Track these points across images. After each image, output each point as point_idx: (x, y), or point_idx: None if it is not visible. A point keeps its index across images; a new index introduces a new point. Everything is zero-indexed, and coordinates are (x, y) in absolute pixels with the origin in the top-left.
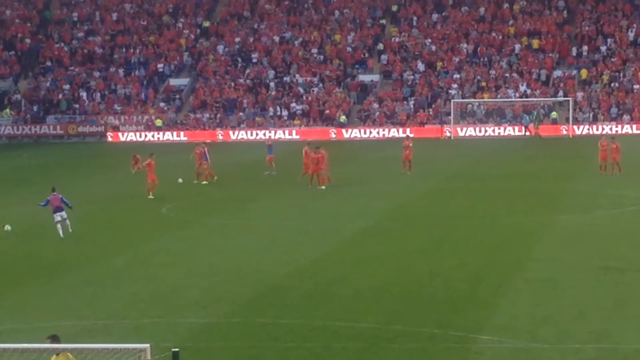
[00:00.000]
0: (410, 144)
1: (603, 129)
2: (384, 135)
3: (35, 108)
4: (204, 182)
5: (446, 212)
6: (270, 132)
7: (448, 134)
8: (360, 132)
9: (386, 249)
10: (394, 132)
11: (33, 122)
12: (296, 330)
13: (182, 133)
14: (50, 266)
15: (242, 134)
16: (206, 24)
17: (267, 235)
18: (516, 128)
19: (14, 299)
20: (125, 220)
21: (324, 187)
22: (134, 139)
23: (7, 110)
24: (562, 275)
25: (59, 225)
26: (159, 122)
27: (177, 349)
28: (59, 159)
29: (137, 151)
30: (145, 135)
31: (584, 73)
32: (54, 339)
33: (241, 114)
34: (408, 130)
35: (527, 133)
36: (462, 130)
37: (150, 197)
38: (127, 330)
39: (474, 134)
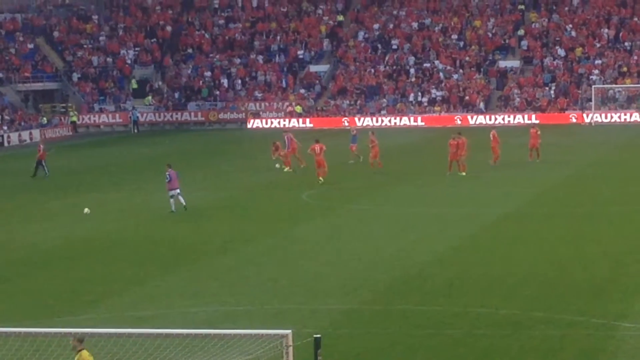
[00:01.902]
0: (538, 132)
1: None
2: (509, 122)
3: (176, 95)
4: (287, 169)
5: (587, 199)
6: (399, 118)
7: (574, 120)
8: (485, 118)
9: (526, 235)
10: (519, 119)
11: (174, 109)
12: (437, 317)
13: (307, 120)
14: (192, 252)
15: (368, 120)
16: (340, 18)
17: (406, 222)
18: None
19: (157, 284)
20: (266, 207)
21: (464, 174)
22: (266, 126)
23: (149, 97)
24: None
25: (172, 200)
26: (298, 109)
27: (318, 335)
28: (200, 146)
29: (277, 138)
30: (269, 122)
31: None
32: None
33: (383, 100)
34: (533, 117)
35: None
36: (587, 116)
37: (320, 180)
38: (268, 316)
39: (601, 120)
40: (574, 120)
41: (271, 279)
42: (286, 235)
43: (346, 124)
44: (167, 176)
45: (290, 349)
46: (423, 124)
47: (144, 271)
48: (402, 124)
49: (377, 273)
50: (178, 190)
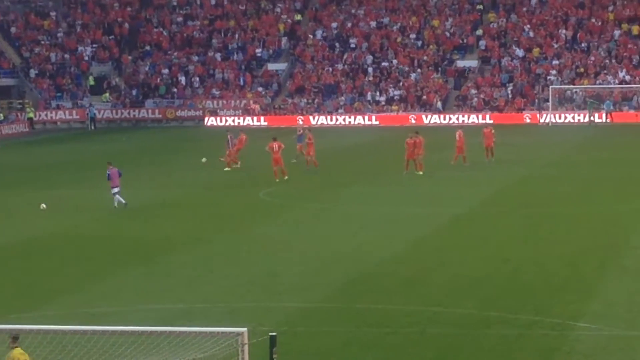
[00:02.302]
0: (492, 131)
1: None
2: (463, 121)
3: (134, 92)
4: (227, 169)
5: (542, 199)
6: (364, 116)
7: (528, 120)
8: (439, 117)
9: (483, 235)
10: (474, 119)
11: (132, 106)
12: (392, 316)
13: (262, 118)
14: (148, 249)
15: (322, 119)
16: (298, 16)
17: (363, 221)
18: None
19: (112, 281)
20: (223, 205)
21: (421, 173)
22: (222, 124)
23: (107, 94)
24: None
25: (117, 197)
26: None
27: (274, 333)
28: (158, 143)
29: (233, 136)
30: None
31: None
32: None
33: (341, 97)
34: (487, 116)
35: (609, 120)
36: (541, 116)
37: (285, 178)
38: (224, 314)
39: (555, 121)
40: (528, 120)
41: (227, 276)
42: (243, 233)
43: (301, 122)
44: (108, 175)
45: (246, 346)
46: (377, 122)
47: (100, 268)
48: (356, 122)
49: (333, 271)
50: (118, 189)
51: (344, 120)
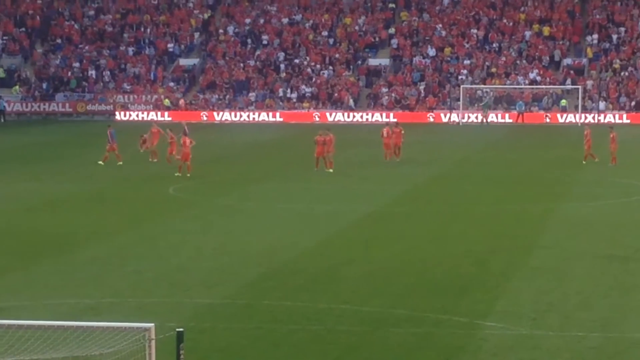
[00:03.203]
0: (402, 131)
1: (586, 117)
2: (366, 120)
3: (44, 85)
4: (119, 163)
5: (452, 198)
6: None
7: (431, 119)
8: (344, 115)
9: (392, 233)
10: (377, 117)
11: (42, 100)
12: (301, 313)
13: (166, 113)
14: (56, 243)
15: (227, 115)
16: (210, 12)
17: (273, 217)
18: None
19: (19, 276)
20: (132, 200)
21: (331, 170)
22: (130, 119)
23: (17, 87)
24: (567, 263)
25: None
26: (167, 102)
27: (181, 329)
28: (68, 137)
29: (145, 130)
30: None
31: (589, 52)
32: None
33: (252, 93)
34: (392, 115)
35: (519, 120)
36: (445, 115)
37: (188, 175)
38: (131, 309)
39: (458, 120)
40: (432, 119)
41: (135, 271)
42: (151, 228)
43: (205, 118)
44: None
45: (153, 342)
46: (282, 119)
47: (7, 262)
48: (261, 119)
49: (242, 268)
50: None
51: (249, 116)
